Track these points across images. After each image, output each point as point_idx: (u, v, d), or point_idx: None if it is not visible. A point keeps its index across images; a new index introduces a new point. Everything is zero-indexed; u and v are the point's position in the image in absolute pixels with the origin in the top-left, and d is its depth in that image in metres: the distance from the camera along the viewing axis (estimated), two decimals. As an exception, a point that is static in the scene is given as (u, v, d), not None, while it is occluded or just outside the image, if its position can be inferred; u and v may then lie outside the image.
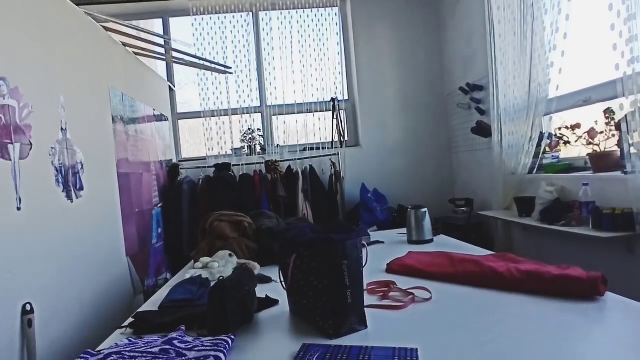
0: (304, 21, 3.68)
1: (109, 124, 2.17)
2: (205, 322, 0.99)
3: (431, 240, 1.85)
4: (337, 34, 3.81)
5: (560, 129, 2.28)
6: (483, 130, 2.97)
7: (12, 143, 1.38)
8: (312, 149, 3.62)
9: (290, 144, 3.69)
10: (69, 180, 1.72)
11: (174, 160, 3.39)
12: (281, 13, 3.64)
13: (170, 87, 3.54)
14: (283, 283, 1.03)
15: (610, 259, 1.90)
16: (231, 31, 3.55)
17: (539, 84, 2.37)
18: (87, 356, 0.83)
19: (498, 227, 2.87)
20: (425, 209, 1.88)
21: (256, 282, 1.17)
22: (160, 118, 3.05)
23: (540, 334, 0.84)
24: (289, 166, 3.36)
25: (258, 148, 3.56)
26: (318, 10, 3.71)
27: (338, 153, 3.51)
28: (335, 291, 0.90)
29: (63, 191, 1.66)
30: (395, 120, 3.81)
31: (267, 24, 3.64)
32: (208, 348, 0.83)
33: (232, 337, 0.89)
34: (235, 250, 1.71)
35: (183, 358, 0.79)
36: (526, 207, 2.40)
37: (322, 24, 3.73)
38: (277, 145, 3.68)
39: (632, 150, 1.76)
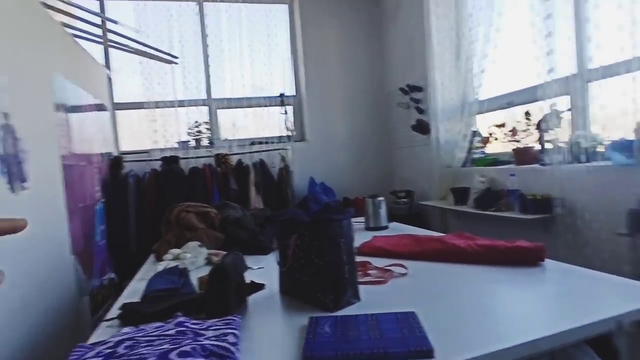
0: (253, 15, 3.67)
1: (52, 111, 1.99)
2: (203, 306, 1.01)
3: (387, 227, 2.00)
4: (286, 30, 3.88)
5: (490, 127, 2.61)
6: (422, 127, 3.25)
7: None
8: (260, 143, 3.64)
9: (238, 138, 3.67)
10: (12, 170, 1.57)
11: (114, 153, 3.17)
12: (230, 6, 3.59)
13: (108, 75, 3.30)
14: (280, 263, 1.09)
15: (533, 237, 2.23)
16: (177, 20, 3.42)
17: (472, 88, 2.68)
18: (83, 350, 0.78)
19: (435, 215, 3.18)
20: (382, 198, 2.03)
21: (246, 267, 1.21)
22: (100, 107, 2.84)
23: (501, 293, 1.03)
24: (239, 160, 3.35)
25: (205, 141, 3.48)
26: (267, 6, 3.73)
27: (287, 147, 3.57)
28: (335, 267, 0.99)
29: (7, 183, 1.51)
30: (340, 117, 3.99)
31: (215, 15, 3.56)
32: (223, 327, 0.82)
33: (239, 317, 0.89)
34: (203, 240, 1.70)
35: (203, 337, 0.79)
36: (461, 196, 2.71)
37: (271, 20, 3.75)
38: (225, 138, 3.64)
39: (549, 145, 2.11)
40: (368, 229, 1.99)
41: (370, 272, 1.28)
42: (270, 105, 3.79)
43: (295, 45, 3.92)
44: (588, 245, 1.96)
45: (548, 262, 1.22)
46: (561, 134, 2.08)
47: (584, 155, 1.98)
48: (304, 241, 1.02)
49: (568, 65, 2.01)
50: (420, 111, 3.37)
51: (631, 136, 1.72)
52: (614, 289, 0.99)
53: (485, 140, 2.73)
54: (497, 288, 1.08)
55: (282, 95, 3.76)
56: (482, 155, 2.83)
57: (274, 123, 3.80)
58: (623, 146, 1.73)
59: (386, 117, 4.06)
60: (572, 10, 2.01)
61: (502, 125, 2.53)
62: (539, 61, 2.11)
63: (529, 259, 1.22)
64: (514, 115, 2.59)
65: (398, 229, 1.98)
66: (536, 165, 2.26)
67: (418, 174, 3.54)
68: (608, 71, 1.82)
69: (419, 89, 3.39)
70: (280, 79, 3.86)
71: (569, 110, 2.09)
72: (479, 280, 1.13)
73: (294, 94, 3.99)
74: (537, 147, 2.31)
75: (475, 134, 2.76)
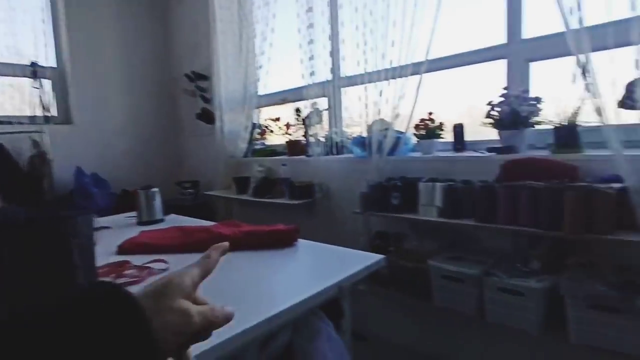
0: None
1: None
2: None
3: (162, 220, 1.90)
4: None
5: (267, 120, 2.81)
6: (207, 116, 3.22)
7: None
8: (1, 122, 2.84)
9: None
10: None
11: None
12: None
13: None
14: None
15: (299, 219, 2.57)
16: None
17: (253, 82, 2.81)
18: None
19: (220, 205, 3.23)
20: (156, 189, 1.92)
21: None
22: None
23: (260, 274, 1.12)
24: (-37, 144, 2.52)
25: None
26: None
27: (43, 130, 2.91)
28: (65, 275, 0.86)
29: None
30: (118, 99, 3.52)
31: None
32: None
33: None
34: None
35: None
36: (243, 185, 2.84)
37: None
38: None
39: (312, 139, 2.44)
40: (140, 223, 1.85)
41: (127, 272, 1.18)
42: (15, 75, 2.99)
43: (56, 6, 3.21)
44: (338, 222, 2.39)
45: (301, 242, 1.39)
46: (321, 130, 2.44)
47: (335, 148, 2.39)
48: (18, 248, 0.84)
49: (325, 71, 2.36)
50: (206, 100, 3.33)
51: (365, 134, 2.17)
52: (342, 259, 1.20)
53: (263, 133, 2.94)
54: (255, 271, 1.15)
55: (34, 64, 3.03)
56: (263, 147, 3.04)
57: (22, 99, 3.03)
58: (360, 142, 2.18)
59: (173, 104, 3.84)
60: (327, 23, 2.36)
61: (278, 119, 2.77)
62: (303, 64, 2.40)
63: (285, 240, 1.36)
64: (289, 111, 2.88)
65: (175, 221, 1.90)
66: (303, 156, 2.58)
67: (204, 164, 3.51)
68: (350, 81, 2.23)
69: (204, 77, 3.34)
70: (33, 45, 3.09)
71: (327, 110, 2.48)
72: (240, 266, 1.19)
73: (54, 65, 3.27)
74: (304, 140, 2.64)
75: (255, 126, 2.93)
